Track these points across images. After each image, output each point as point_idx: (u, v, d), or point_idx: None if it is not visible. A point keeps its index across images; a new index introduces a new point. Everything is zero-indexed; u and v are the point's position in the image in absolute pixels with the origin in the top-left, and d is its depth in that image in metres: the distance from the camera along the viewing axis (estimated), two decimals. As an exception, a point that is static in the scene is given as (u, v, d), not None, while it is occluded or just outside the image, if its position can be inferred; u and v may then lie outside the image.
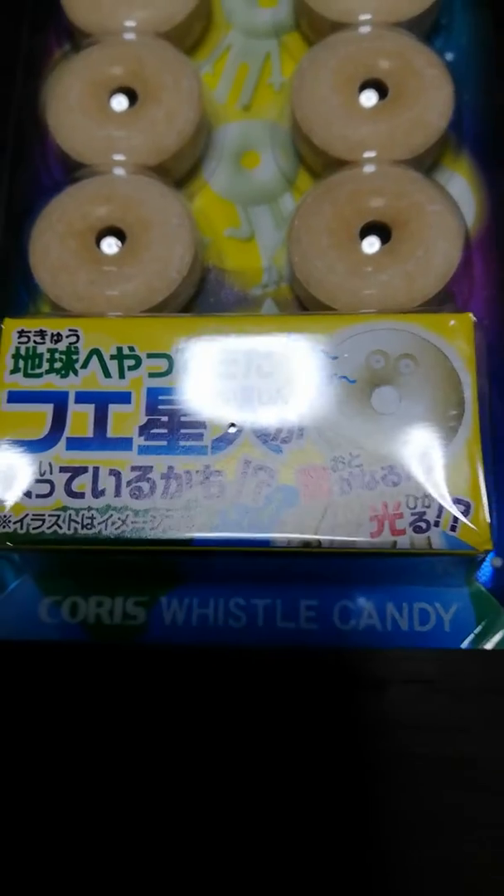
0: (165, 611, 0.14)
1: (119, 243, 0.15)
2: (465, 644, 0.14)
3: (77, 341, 0.13)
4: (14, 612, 0.14)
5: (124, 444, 0.12)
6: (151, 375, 0.12)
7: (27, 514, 0.12)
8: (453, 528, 0.12)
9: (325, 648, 0.14)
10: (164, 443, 0.12)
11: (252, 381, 0.12)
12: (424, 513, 0.12)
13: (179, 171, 0.16)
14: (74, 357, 0.13)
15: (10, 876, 0.13)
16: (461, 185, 0.16)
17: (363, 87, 0.16)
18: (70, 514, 0.12)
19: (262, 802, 0.13)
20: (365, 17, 0.16)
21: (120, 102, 0.16)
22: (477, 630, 0.14)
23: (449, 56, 0.17)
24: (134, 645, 0.14)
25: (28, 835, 0.14)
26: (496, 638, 0.14)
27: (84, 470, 0.12)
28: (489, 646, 0.14)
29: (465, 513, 0.12)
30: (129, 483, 0.12)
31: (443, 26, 0.18)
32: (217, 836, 0.13)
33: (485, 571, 0.14)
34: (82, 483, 0.12)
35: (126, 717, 0.14)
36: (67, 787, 0.14)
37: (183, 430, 0.12)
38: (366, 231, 0.15)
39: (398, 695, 0.14)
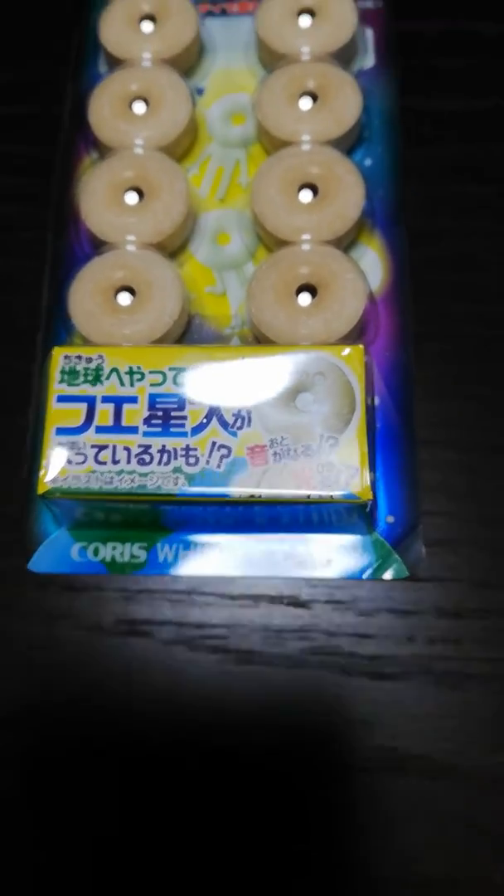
0: (160, 552, 0.20)
1: (131, 297, 0.21)
2: (365, 576, 0.20)
3: (102, 362, 0.19)
4: (54, 554, 0.20)
5: (133, 430, 0.18)
6: (152, 385, 0.19)
7: (69, 475, 0.18)
8: (346, 485, 0.18)
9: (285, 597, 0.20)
10: (160, 429, 0.18)
11: (219, 389, 0.19)
12: (330, 477, 0.18)
13: (173, 247, 0.23)
14: (100, 373, 0.19)
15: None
16: (372, 257, 0.23)
17: (301, 188, 0.22)
18: (97, 475, 0.18)
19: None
20: (305, 137, 0.23)
21: (131, 198, 0.23)
22: (374, 566, 0.20)
23: (368, 161, 0.24)
24: (135, 576, 0.20)
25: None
26: (388, 574, 0.20)
27: (106, 447, 0.18)
28: (386, 576, 0.20)
29: (354, 475, 0.18)
30: (136, 455, 0.18)
31: (364, 139, 0.24)
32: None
33: (382, 526, 0.20)
34: (105, 455, 0.18)
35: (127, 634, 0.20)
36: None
37: (172, 421, 0.18)
38: (300, 290, 0.21)
39: (321, 610, 0.20)
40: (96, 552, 0.20)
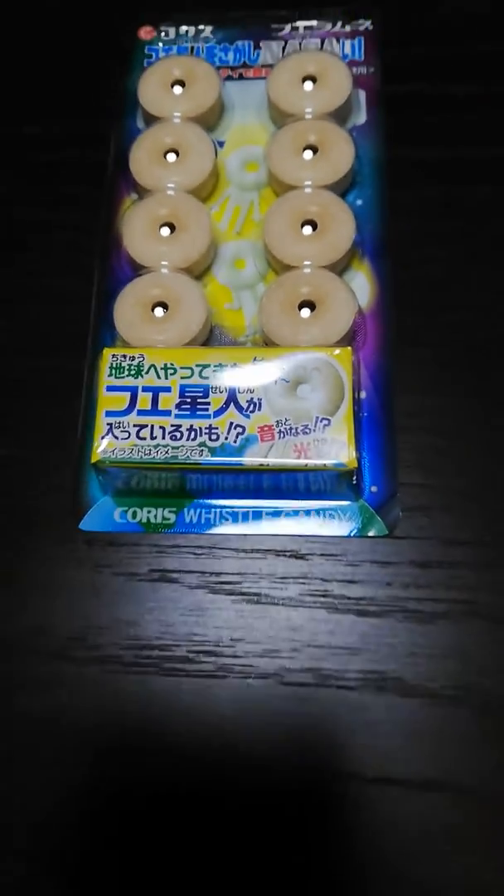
0: (186, 515, 0.25)
1: (164, 311, 0.26)
2: (353, 534, 0.24)
3: (143, 360, 0.24)
4: (99, 516, 0.25)
5: (167, 413, 0.23)
6: (182, 378, 0.24)
7: (116, 448, 0.23)
8: (337, 456, 0.23)
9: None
10: (188, 412, 0.23)
11: (235, 382, 0.24)
12: (323, 449, 0.23)
13: (198, 270, 0.28)
14: (141, 368, 0.24)
15: None
16: (362, 280, 0.27)
17: (303, 224, 0.27)
18: (138, 448, 0.23)
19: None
20: (307, 182, 0.28)
21: (165, 231, 0.28)
22: (360, 526, 0.24)
23: (359, 202, 0.29)
24: (166, 534, 0.25)
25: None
26: (371, 532, 0.24)
27: (146, 426, 0.23)
28: (370, 535, 0.24)
29: (343, 448, 0.23)
30: (169, 433, 0.23)
31: (357, 183, 0.29)
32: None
33: (367, 494, 0.25)
34: (145, 432, 0.23)
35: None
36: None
37: (198, 406, 0.23)
38: (301, 305, 0.26)
39: (317, 561, 0.24)
40: (134, 515, 0.25)
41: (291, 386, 0.23)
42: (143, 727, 0.23)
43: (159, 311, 0.26)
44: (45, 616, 0.24)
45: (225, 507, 0.25)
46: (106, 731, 0.23)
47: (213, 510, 0.25)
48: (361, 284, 0.27)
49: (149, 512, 0.25)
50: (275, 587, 0.24)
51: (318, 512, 0.25)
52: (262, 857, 0.21)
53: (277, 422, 0.23)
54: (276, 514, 0.25)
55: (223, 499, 0.25)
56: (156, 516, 0.25)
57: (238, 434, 0.23)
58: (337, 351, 0.24)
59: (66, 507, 0.25)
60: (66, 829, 0.22)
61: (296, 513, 0.25)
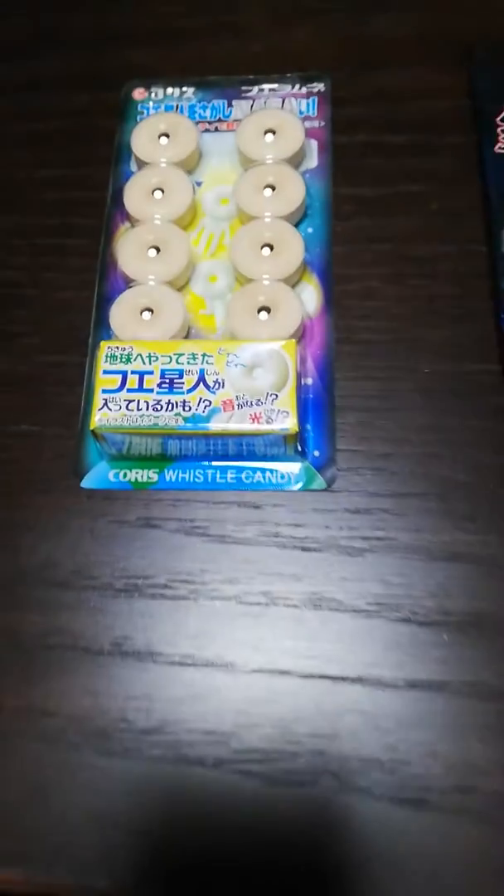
0: (167, 475, 0.31)
1: (150, 315, 0.33)
2: (298, 488, 0.31)
3: (132, 350, 0.30)
4: (97, 476, 0.31)
5: (150, 391, 0.30)
6: (162, 364, 0.30)
7: (109, 418, 0.29)
8: (282, 423, 0.29)
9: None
10: (167, 390, 0.30)
11: (204, 366, 0.30)
12: (272, 417, 0.29)
13: (179, 284, 0.34)
14: (130, 356, 0.30)
15: None
16: (311, 291, 0.34)
17: (263, 246, 0.34)
18: (127, 417, 0.29)
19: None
20: (266, 214, 0.35)
21: (151, 252, 0.34)
22: (305, 482, 0.31)
23: (310, 230, 0.36)
24: (150, 490, 0.31)
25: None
26: (314, 486, 0.31)
27: (133, 401, 0.30)
28: (313, 488, 0.31)
29: (287, 417, 0.29)
30: (151, 406, 0.29)
31: (307, 215, 0.36)
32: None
33: (310, 457, 0.31)
34: (133, 406, 0.29)
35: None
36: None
37: (175, 385, 0.30)
38: (260, 310, 0.32)
39: (270, 510, 0.31)
40: (125, 475, 0.31)
41: (248, 370, 0.30)
42: (128, 635, 0.29)
43: (146, 315, 0.33)
44: (53, 554, 0.30)
45: (197, 468, 0.31)
46: (98, 640, 0.29)
47: (188, 470, 0.31)
48: (310, 295, 0.34)
49: (136, 473, 0.31)
50: (236, 530, 0.30)
51: (271, 472, 0.31)
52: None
53: (237, 397, 0.29)
54: (239, 473, 0.31)
55: (196, 462, 0.31)
56: (142, 476, 0.31)
57: (206, 406, 0.29)
58: (283, 343, 0.30)
59: (70, 470, 0.32)
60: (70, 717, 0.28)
61: (254, 472, 0.31)
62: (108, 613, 0.29)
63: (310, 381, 0.32)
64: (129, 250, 0.34)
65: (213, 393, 0.30)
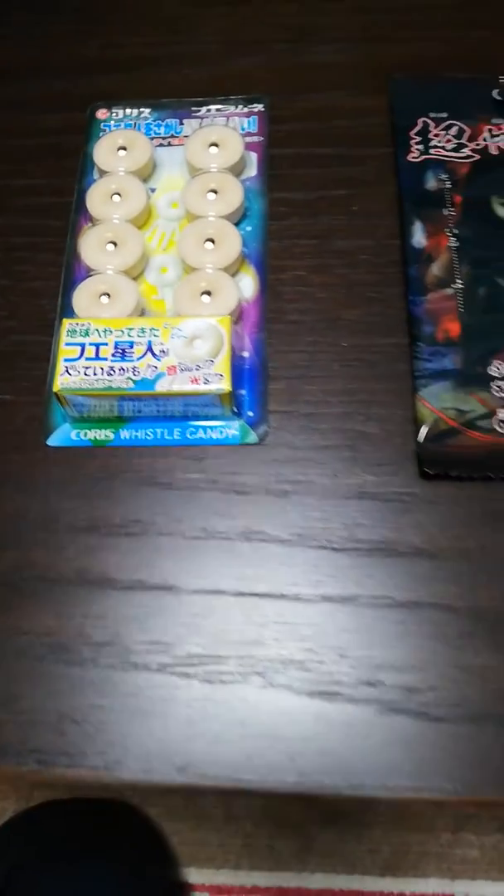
0: (121, 433, 0.36)
1: (108, 299, 0.38)
2: (235, 442, 0.36)
3: (90, 326, 0.36)
4: (62, 435, 0.36)
5: (105, 359, 0.35)
6: (116, 337, 0.35)
7: (70, 382, 0.35)
8: (217, 384, 0.34)
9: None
10: (120, 358, 0.35)
11: (151, 338, 0.35)
12: (209, 379, 0.34)
13: (134, 274, 0.40)
14: (88, 331, 0.35)
15: None
16: (248, 280, 0.39)
17: (206, 241, 0.39)
18: (85, 381, 0.34)
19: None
20: (210, 214, 0.40)
21: (110, 247, 0.40)
22: (240, 437, 0.36)
23: (248, 228, 0.41)
24: (107, 447, 0.36)
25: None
26: (248, 440, 0.36)
27: (91, 367, 0.35)
28: (247, 442, 0.36)
29: (221, 379, 0.34)
30: (106, 371, 0.35)
31: (246, 216, 0.41)
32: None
33: (246, 417, 0.36)
34: (90, 372, 0.35)
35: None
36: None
37: (126, 354, 0.35)
38: (202, 294, 0.38)
39: (212, 461, 0.36)
40: (85, 434, 0.36)
41: (189, 341, 0.35)
42: (88, 566, 0.34)
43: (104, 299, 0.38)
44: (25, 502, 0.35)
45: (148, 427, 0.36)
46: (63, 571, 0.34)
47: (139, 430, 0.36)
48: (247, 283, 0.39)
49: (95, 432, 0.36)
50: (181, 478, 0.35)
51: (212, 428, 0.36)
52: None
53: (179, 363, 0.35)
54: (183, 430, 0.36)
55: (146, 422, 0.36)
56: (100, 435, 0.36)
57: (153, 371, 0.35)
58: (219, 318, 0.35)
59: (39, 430, 0.37)
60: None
61: (196, 429, 0.36)
62: (71, 549, 0.34)
63: (246, 353, 0.37)
64: (91, 245, 0.40)
65: (159, 360, 0.35)
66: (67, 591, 0.34)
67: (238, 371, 0.36)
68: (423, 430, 0.34)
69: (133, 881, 0.63)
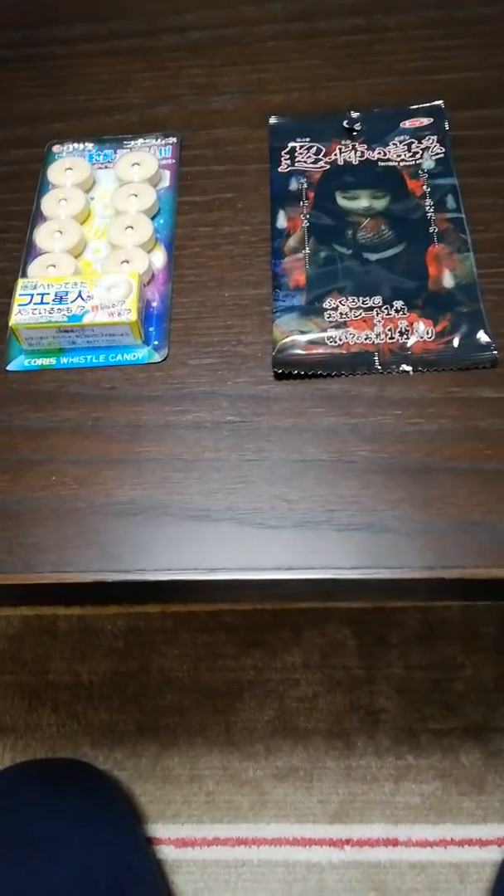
0: (61, 359, 0.50)
1: (54, 269, 0.52)
2: (143, 362, 0.49)
3: (38, 283, 0.49)
4: (17, 363, 0.50)
5: (48, 304, 0.48)
6: (55, 289, 0.49)
7: (22, 318, 0.48)
8: (127, 315, 0.48)
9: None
10: (59, 302, 0.48)
11: (81, 288, 0.49)
12: (121, 313, 0.48)
13: (75, 253, 0.54)
14: (37, 286, 0.49)
15: None
16: (159, 255, 0.53)
17: (126, 228, 0.54)
18: (33, 318, 0.48)
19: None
20: (132, 209, 0.55)
21: (57, 235, 0.54)
22: (147, 357, 0.49)
23: (161, 220, 0.56)
24: (51, 369, 0.49)
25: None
26: (154, 359, 0.49)
27: (37, 309, 0.48)
28: (153, 361, 0.49)
29: (130, 312, 0.48)
30: (48, 311, 0.48)
31: (159, 213, 0.56)
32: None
33: (152, 342, 0.50)
34: (37, 312, 0.48)
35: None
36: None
37: (63, 299, 0.49)
38: (122, 263, 0.52)
39: (126, 375, 0.49)
40: (34, 361, 0.50)
41: (108, 289, 0.49)
42: (36, 449, 0.47)
43: (51, 270, 0.52)
44: (-11, 408, 0.49)
45: (80, 354, 0.50)
46: (16, 454, 0.47)
47: (75, 356, 0.50)
48: (158, 256, 0.53)
49: (42, 360, 0.50)
50: (103, 391, 0.48)
51: (127, 351, 0.49)
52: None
53: (101, 304, 0.48)
54: (107, 356, 0.49)
55: (80, 351, 0.50)
56: (46, 362, 0.50)
57: (81, 309, 0.48)
58: (130, 273, 0.49)
59: (2, 360, 0.50)
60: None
61: (116, 353, 0.49)
62: (29, 439, 0.47)
63: (155, 304, 0.51)
64: (43, 234, 0.54)
65: (86, 302, 0.48)
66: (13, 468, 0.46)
67: (148, 314, 0.50)
68: (277, 346, 0.48)
69: (91, 837, 0.66)
